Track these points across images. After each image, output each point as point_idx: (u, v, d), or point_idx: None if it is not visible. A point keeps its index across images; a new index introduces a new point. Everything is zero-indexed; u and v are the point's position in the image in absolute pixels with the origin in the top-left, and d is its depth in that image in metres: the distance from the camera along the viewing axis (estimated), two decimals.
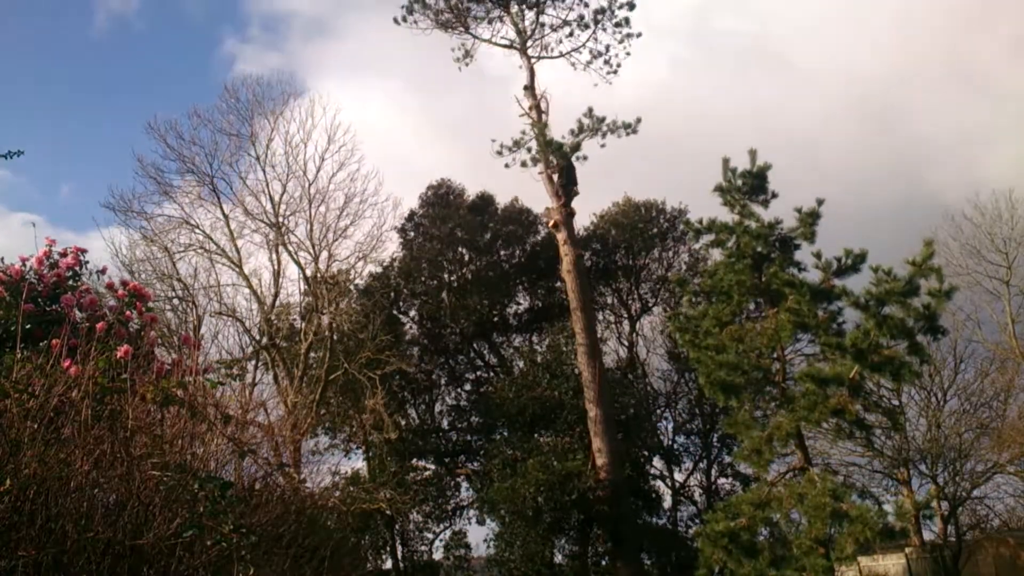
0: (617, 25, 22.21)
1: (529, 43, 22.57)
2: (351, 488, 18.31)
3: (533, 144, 21.08)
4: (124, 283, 6.52)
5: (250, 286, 20.41)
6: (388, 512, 20.62)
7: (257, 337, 20.58)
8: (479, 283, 23.81)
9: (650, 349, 26.86)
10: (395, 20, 22.72)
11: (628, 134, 20.89)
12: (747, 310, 12.21)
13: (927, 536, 24.60)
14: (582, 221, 23.66)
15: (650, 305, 26.08)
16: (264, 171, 20.91)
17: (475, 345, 25.36)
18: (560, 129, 21.57)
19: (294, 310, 22.24)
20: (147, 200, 20.51)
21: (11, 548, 3.81)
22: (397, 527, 23.13)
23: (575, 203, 20.90)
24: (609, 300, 26.35)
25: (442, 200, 24.65)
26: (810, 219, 10.97)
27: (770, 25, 70.16)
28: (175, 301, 19.80)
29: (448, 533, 24.07)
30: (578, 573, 19.95)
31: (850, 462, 26.18)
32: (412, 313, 24.87)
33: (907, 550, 23.65)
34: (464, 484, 24.54)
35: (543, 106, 21.52)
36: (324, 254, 21.04)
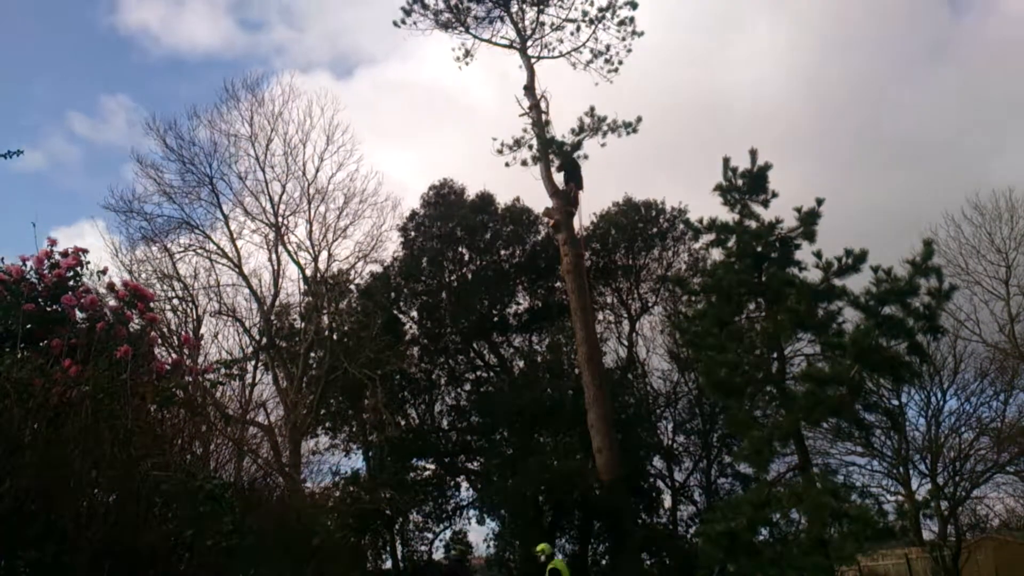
0: (620, 24, 22.20)
1: (529, 43, 22.57)
2: (351, 488, 18.34)
3: (534, 143, 21.10)
4: (125, 283, 6.51)
5: (250, 286, 20.41)
6: (388, 512, 20.64)
7: (257, 337, 20.57)
8: (479, 283, 23.81)
9: (650, 349, 26.86)
10: (394, 23, 22.73)
11: (629, 133, 20.91)
12: (747, 310, 12.19)
13: (927, 536, 24.60)
14: (582, 221, 23.63)
15: (650, 305, 26.07)
16: (263, 171, 20.93)
17: (475, 345, 25.35)
18: (561, 128, 21.55)
19: (294, 310, 22.24)
20: (147, 200, 20.52)
21: (11, 548, 3.80)
22: (397, 527, 23.12)
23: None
24: (609, 300, 26.33)
25: (444, 199, 24.66)
26: (810, 219, 10.96)
27: None
28: (175, 301, 19.80)
29: (448, 533, 24.10)
30: (578, 573, 19.95)
31: (850, 462, 26.19)
32: (412, 313, 24.88)
33: (907, 549, 23.67)
34: (464, 484, 24.56)
35: (543, 106, 21.52)
36: (324, 254, 21.08)
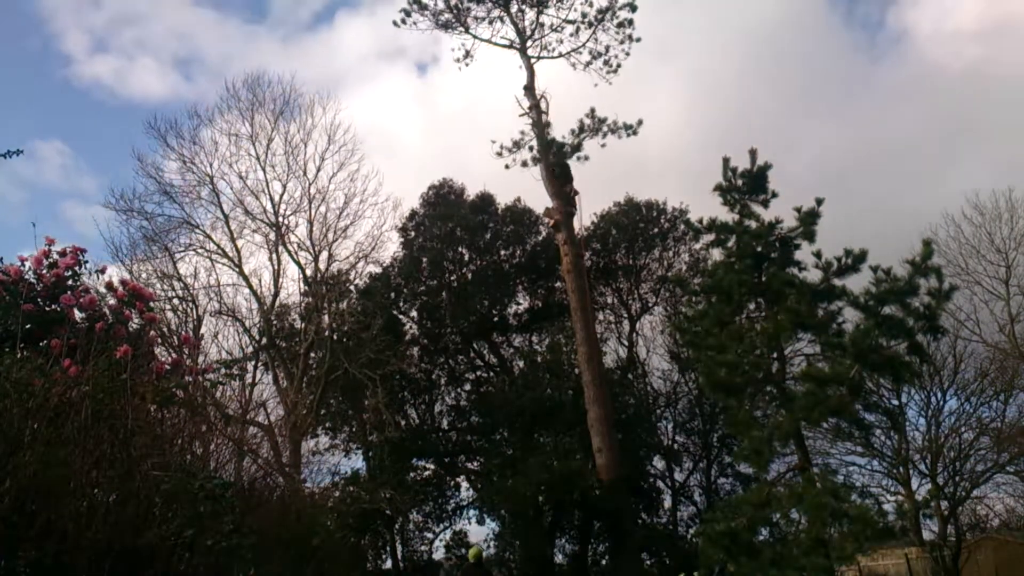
0: (619, 26, 22.21)
1: (529, 43, 22.57)
2: (351, 488, 18.33)
3: (534, 144, 21.10)
4: (124, 283, 6.50)
5: (250, 286, 20.41)
6: (388, 512, 20.62)
7: (257, 337, 20.57)
8: (479, 283, 23.81)
9: (650, 349, 26.88)
10: (394, 23, 22.74)
11: (629, 135, 20.91)
12: (747, 310, 12.17)
13: (927, 536, 24.60)
14: (583, 221, 23.62)
15: (650, 305, 26.08)
16: (264, 171, 20.93)
17: (475, 345, 25.35)
18: (561, 128, 21.55)
19: (294, 310, 22.24)
20: (147, 199, 20.52)
21: (11, 548, 3.80)
22: (397, 527, 23.12)
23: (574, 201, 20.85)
24: (609, 300, 26.35)
25: (444, 199, 24.66)
26: (810, 219, 10.95)
27: None
28: (175, 301, 19.79)
29: (448, 533, 24.12)
30: (578, 573, 19.95)
31: (850, 462, 26.20)
32: (412, 313, 24.88)
33: (907, 549, 23.66)
34: (464, 484, 24.57)
35: (543, 106, 21.51)
36: (324, 254, 21.07)
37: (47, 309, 5.88)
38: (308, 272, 21.03)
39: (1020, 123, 51.47)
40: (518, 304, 25.26)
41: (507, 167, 21.44)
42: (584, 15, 22.27)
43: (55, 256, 6.24)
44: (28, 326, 5.37)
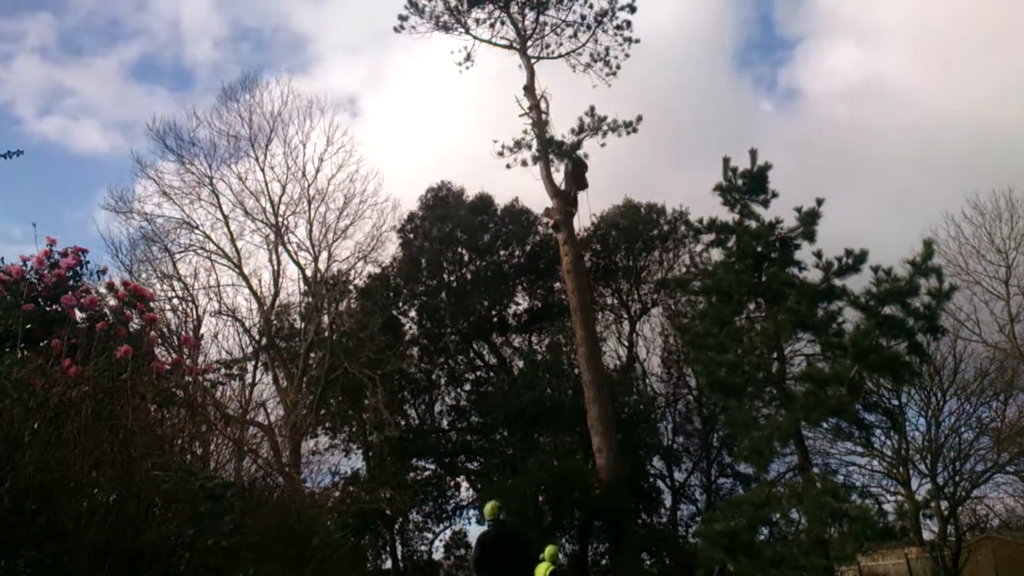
0: (618, 28, 22.22)
1: (529, 43, 22.55)
2: (351, 488, 18.34)
3: (534, 143, 21.08)
4: (125, 283, 6.51)
5: (250, 286, 20.43)
6: (388, 512, 20.63)
7: (257, 337, 20.58)
8: (479, 283, 23.82)
9: (650, 349, 26.90)
10: (394, 29, 22.71)
11: (629, 133, 20.88)
12: (747, 310, 12.18)
13: (927, 536, 24.60)
14: (582, 222, 23.59)
15: (650, 306, 26.10)
16: (264, 172, 20.95)
17: (475, 345, 25.37)
18: (561, 128, 21.52)
19: (294, 310, 22.25)
20: (147, 201, 20.55)
21: (11, 548, 3.81)
22: (397, 527, 23.13)
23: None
24: (609, 300, 26.36)
25: (442, 202, 24.68)
26: (810, 219, 10.95)
27: None
28: (175, 301, 19.81)
29: (448, 533, 24.14)
30: (578, 573, 19.95)
31: (850, 462, 26.20)
32: (412, 313, 24.90)
33: (907, 549, 23.67)
34: (464, 484, 24.59)
35: (543, 106, 21.50)
36: (324, 254, 21.09)
37: (48, 309, 5.87)
38: (308, 272, 21.07)
39: (883, 170, 57.19)
40: (518, 304, 25.30)
41: (508, 167, 21.43)
42: (583, 17, 22.30)
43: (56, 256, 6.24)
44: (29, 326, 5.37)
